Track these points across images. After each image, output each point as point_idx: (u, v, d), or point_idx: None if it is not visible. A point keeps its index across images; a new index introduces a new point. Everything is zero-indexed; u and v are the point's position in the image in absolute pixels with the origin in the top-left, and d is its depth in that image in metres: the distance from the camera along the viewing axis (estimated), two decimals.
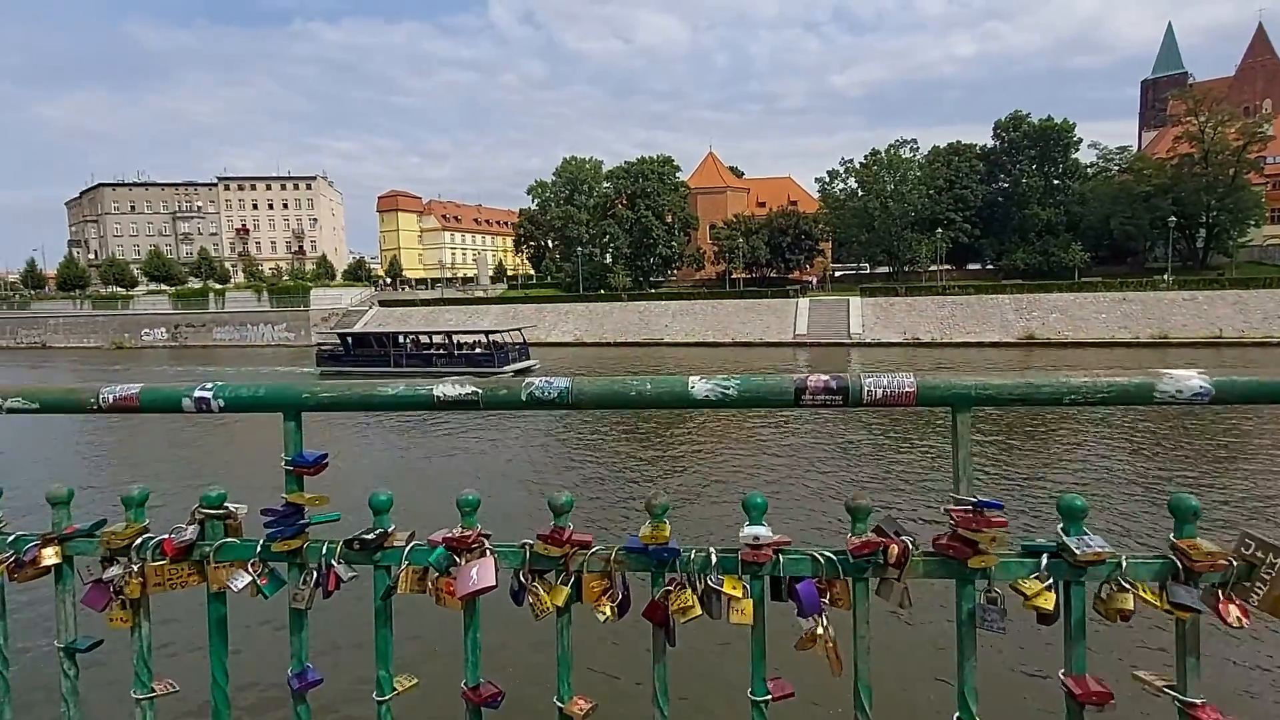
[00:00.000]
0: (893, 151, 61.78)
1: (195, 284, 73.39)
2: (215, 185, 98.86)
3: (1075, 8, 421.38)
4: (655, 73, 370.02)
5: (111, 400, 1.35)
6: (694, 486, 14.61)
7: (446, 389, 1.26)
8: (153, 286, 73.45)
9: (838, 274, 73.03)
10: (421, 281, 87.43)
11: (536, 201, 75.45)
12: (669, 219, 70.09)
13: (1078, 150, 62.91)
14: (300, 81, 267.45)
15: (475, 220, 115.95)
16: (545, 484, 14.83)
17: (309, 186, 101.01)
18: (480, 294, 70.83)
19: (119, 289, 72.59)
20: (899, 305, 48.41)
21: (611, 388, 1.22)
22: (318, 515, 1.34)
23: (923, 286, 52.98)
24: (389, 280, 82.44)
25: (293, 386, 1.33)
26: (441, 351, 36.00)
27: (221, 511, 1.34)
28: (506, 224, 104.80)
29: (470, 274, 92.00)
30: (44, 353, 60.32)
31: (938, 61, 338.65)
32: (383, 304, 64.32)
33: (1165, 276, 47.12)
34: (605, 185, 72.55)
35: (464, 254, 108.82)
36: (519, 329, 37.73)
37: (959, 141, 66.62)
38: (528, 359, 35.84)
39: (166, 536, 1.32)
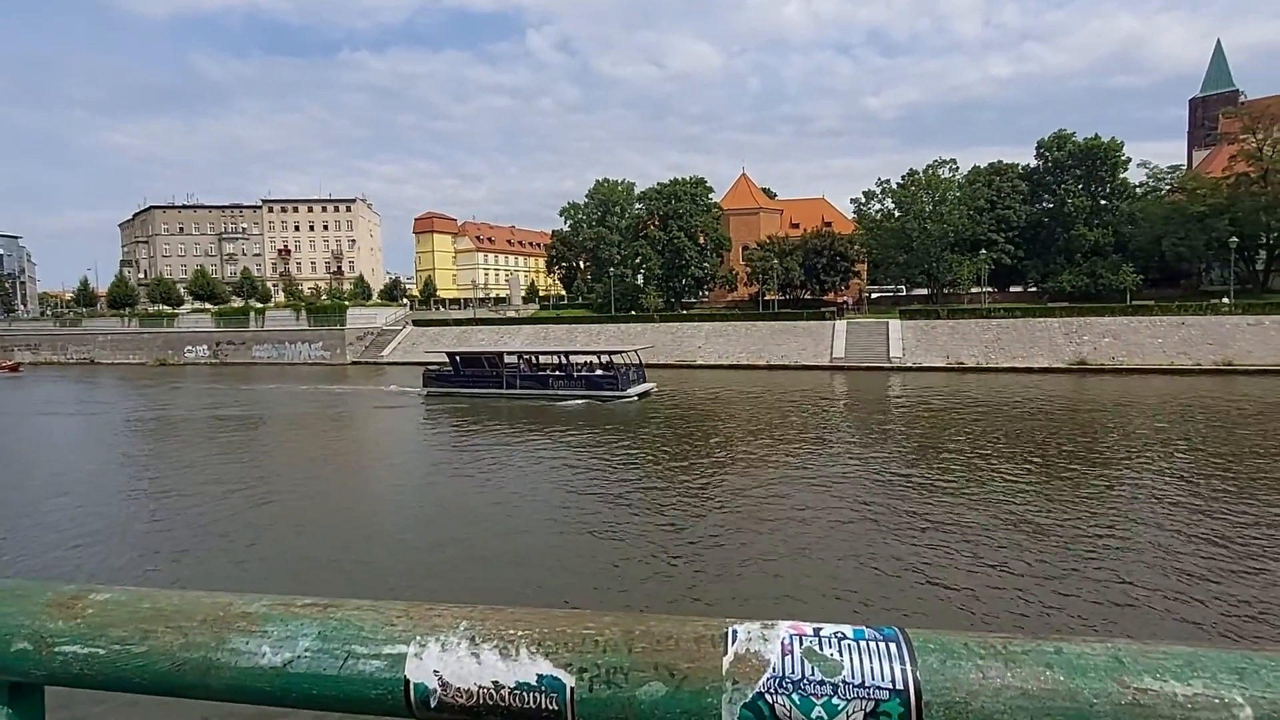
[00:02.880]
0: (931, 172, 60.56)
1: (238, 303, 75.21)
2: (259, 207, 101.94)
3: (1115, 28, 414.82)
4: (688, 96, 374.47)
5: None
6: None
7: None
8: (197, 305, 75.50)
9: (874, 296, 71.60)
10: (455, 301, 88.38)
11: (569, 223, 75.86)
12: (701, 240, 69.68)
13: (1126, 169, 60.86)
14: (348, 108, 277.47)
15: (508, 241, 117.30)
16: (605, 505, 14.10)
17: (348, 209, 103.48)
18: (512, 314, 71.09)
19: (165, 307, 74.76)
20: (941, 328, 46.90)
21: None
22: None
23: (965, 309, 51.36)
24: (422, 300, 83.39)
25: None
26: (558, 373, 33.87)
27: None
28: (539, 245, 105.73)
29: (503, 294, 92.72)
30: (91, 368, 62.07)
31: (973, 83, 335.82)
32: (416, 324, 64.88)
33: (1225, 300, 44.81)
34: (637, 206, 72.62)
35: (497, 274, 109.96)
36: (636, 349, 35.59)
37: (1000, 161, 65.16)
38: (644, 381, 33.63)
39: None
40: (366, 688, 0.67)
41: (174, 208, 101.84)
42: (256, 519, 14.15)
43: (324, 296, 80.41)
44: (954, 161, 61.15)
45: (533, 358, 36.26)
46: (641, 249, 69.16)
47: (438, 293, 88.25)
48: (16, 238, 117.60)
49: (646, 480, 17.04)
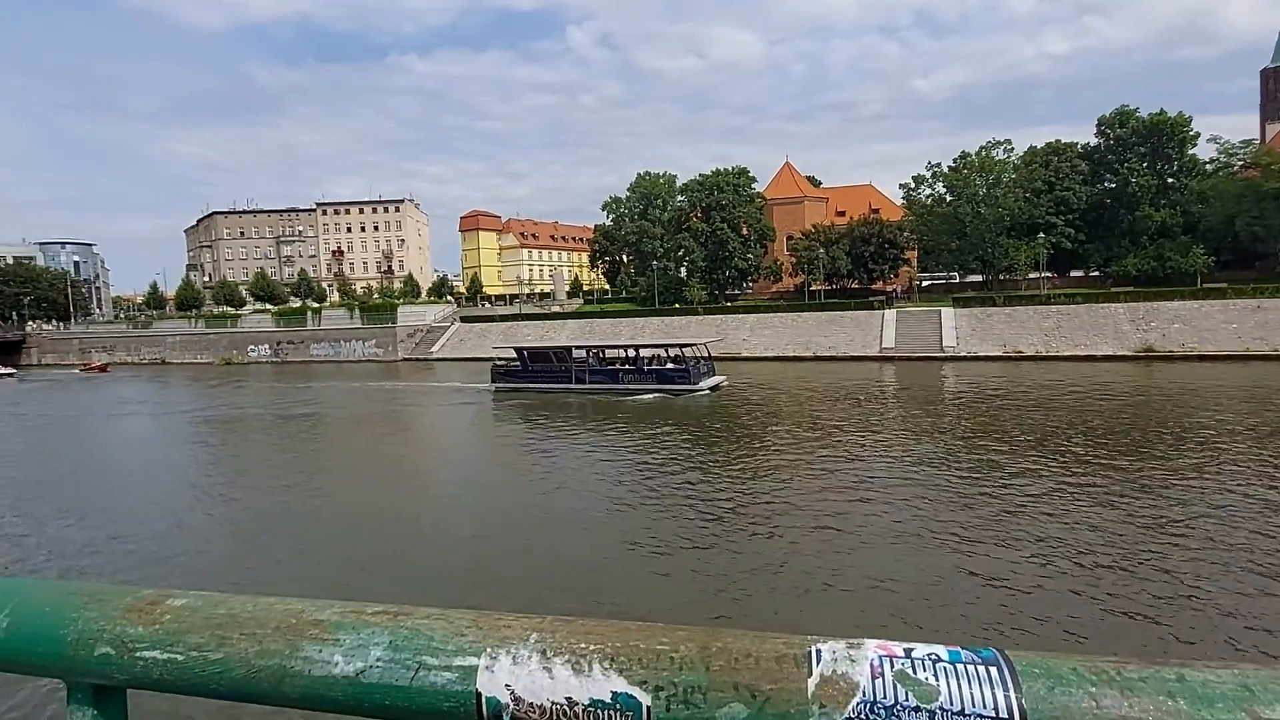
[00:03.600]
0: (984, 153, 58.49)
1: (295, 303, 78.15)
2: (314, 211, 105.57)
3: None
4: (730, 87, 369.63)
5: None
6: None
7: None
8: (258, 306, 78.76)
9: (925, 284, 69.76)
10: (500, 297, 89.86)
11: (611, 217, 76.12)
12: (745, 231, 69.06)
13: (1195, 145, 57.59)
14: (396, 111, 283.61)
15: (552, 237, 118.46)
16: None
17: (397, 210, 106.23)
18: (556, 309, 71.92)
19: (229, 308, 78.26)
20: (997, 316, 45.45)
21: None
22: None
23: (1022, 295, 49.58)
24: (469, 297, 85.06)
25: (82, 613, 0.79)
26: (628, 366, 33.43)
27: None
28: (582, 240, 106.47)
29: (547, 289, 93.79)
30: (163, 368, 65.49)
31: (1028, 61, 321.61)
32: (464, 320, 66.29)
33: None
34: (679, 199, 72.38)
35: (541, 270, 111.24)
36: (704, 342, 34.69)
37: (1058, 141, 62.47)
38: (714, 374, 33.02)
39: None
40: (439, 700, 0.66)
41: (234, 213, 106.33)
42: (379, 514, 14.62)
43: (375, 295, 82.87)
44: (1008, 142, 58.98)
45: (600, 351, 35.63)
46: (684, 241, 68.98)
47: (484, 289, 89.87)
48: (91, 245, 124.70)
49: (747, 485, 15.83)
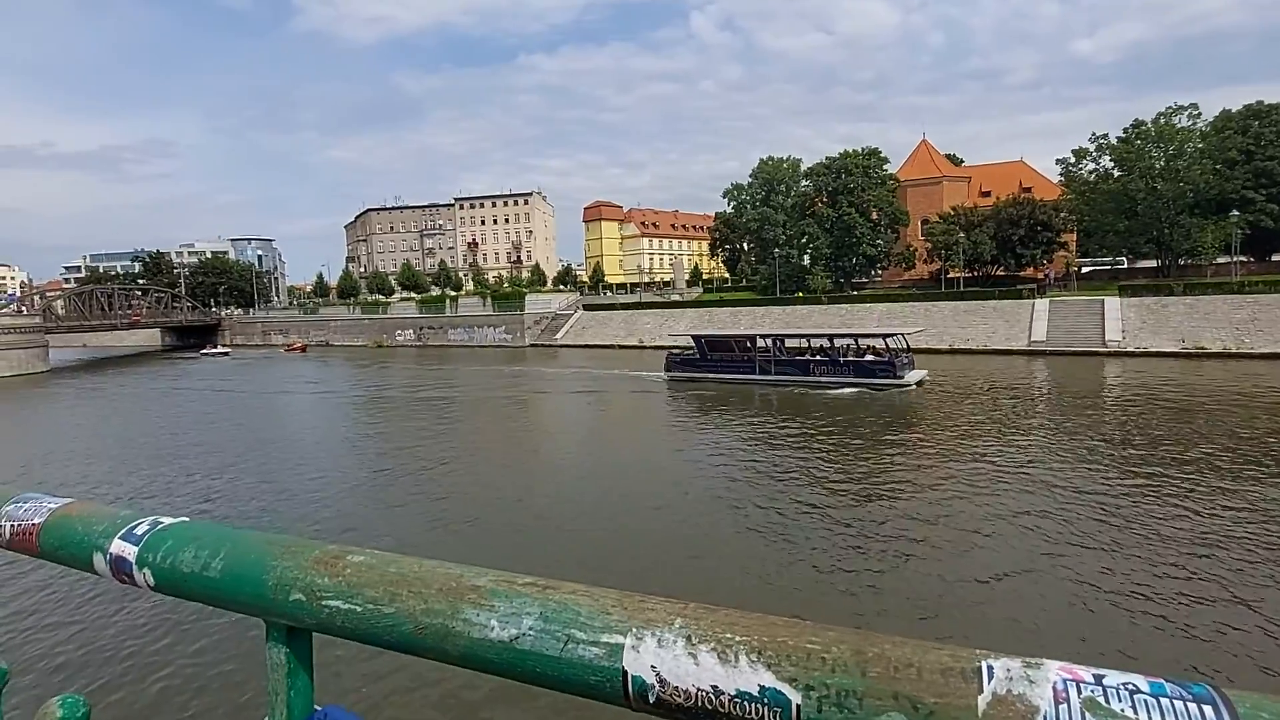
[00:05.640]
0: (1164, 121, 51.17)
1: (436, 292, 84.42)
2: (452, 205, 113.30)
3: None
4: (858, 62, 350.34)
5: (8, 535, 1.01)
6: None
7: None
8: (404, 294, 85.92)
9: (1085, 270, 62.54)
10: (621, 286, 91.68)
11: (732, 204, 75.02)
12: (875, 215, 65.39)
13: None
14: (522, 109, 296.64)
15: (672, 226, 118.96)
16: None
17: (525, 202, 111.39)
18: (676, 297, 72.24)
19: (380, 297, 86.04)
20: (1174, 306, 39.80)
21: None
22: None
23: (1207, 283, 43.03)
24: (591, 286, 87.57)
25: (280, 562, 0.86)
26: (822, 358, 30.74)
27: None
28: (702, 228, 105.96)
29: (667, 278, 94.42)
30: (327, 350, 73.28)
31: (1220, 9, 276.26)
32: (586, 308, 68.35)
33: None
34: (804, 184, 69.84)
35: (661, 259, 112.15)
36: (907, 332, 32.06)
37: (1260, 103, 53.34)
38: (914, 366, 30.17)
39: None
40: (586, 673, 0.67)
41: (385, 209, 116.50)
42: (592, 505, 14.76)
43: (506, 284, 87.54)
44: (1194, 107, 51.19)
45: (780, 340, 33.05)
46: (808, 228, 66.53)
47: (605, 278, 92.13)
48: (271, 240, 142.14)
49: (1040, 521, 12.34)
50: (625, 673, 0.65)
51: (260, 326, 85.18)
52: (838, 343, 31.52)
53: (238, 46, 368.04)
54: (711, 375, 32.37)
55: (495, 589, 0.74)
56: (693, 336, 35.64)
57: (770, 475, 16.27)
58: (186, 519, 0.97)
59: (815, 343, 32.87)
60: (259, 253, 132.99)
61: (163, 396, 38.17)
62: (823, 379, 29.35)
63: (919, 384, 28.64)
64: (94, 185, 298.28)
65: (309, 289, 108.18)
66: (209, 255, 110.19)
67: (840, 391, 27.94)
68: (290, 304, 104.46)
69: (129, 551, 0.93)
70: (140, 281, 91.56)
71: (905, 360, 29.48)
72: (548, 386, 36.43)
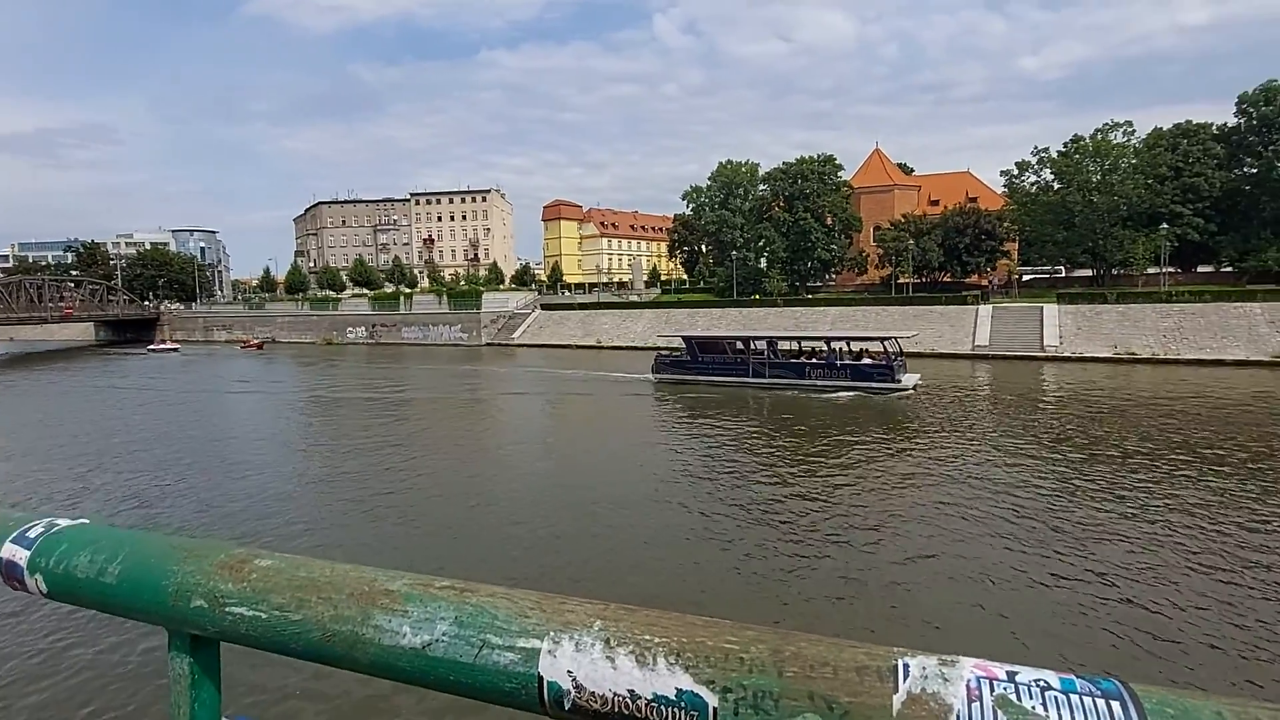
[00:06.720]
0: (1100, 136, 53.65)
1: (389, 289, 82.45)
2: (408, 201, 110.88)
3: None
4: (816, 70, 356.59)
5: None
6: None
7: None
8: (356, 290, 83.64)
9: (1026, 278, 65.07)
10: (580, 286, 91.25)
11: (691, 206, 75.49)
12: (829, 221, 66.72)
13: None
14: (483, 105, 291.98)
15: (631, 226, 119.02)
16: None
17: (484, 199, 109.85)
18: (634, 298, 72.24)
19: (331, 293, 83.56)
20: (1107, 314, 41.72)
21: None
22: None
23: (1138, 292, 45.29)
24: (549, 285, 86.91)
25: (182, 567, 0.83)
26: (817, 361, 30.03)
27: None
28: (661, 229, 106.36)
29: (625, 279, 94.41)
30: (273, 346, 70.71)
31: (1157, 32, 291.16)
32: (544, 308, 67.77)
33: None
34: (761, 188, 70.80)
35: (620, 259, 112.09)
36: (900, 336, 31.26)
37: (1188, 122, 56.48)
38: (906, 370, 29.50)
39: None
40: (501, 680, 0.65)
41: (337, 203, 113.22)
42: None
43: (462, 282, 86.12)
44: (1129, 124, 53.84)
45: (773, 343, 32.27)
46: (765, 231, 67.45)
47: (564, 278, 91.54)
48: (214, 232, 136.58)
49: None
50: (541, 678, 0.63)
51: (202, 321, 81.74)
52: (832, 345, 31.03)
53: (186, 30, 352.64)
54: (703, 378, 31.62)
55: (410, 593, 0.72)
56: (683, 338, 34.99)
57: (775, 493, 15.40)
58: (86, 521, 0.92)
59: (807, 345, 32.34)
60: (202, 244, 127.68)
61: (99, 395, 36.23)
62: (819, 382, 28.90)
63: (914, 388, 28.37)
64: (25, 170, 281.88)
65: (255, 283, 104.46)
66: (148, 246, 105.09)
67: (836, 395, 27.58)
68: (235, 298, 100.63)
69: (20, 556, 0.88)
70: (73, 273, 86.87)
71: (900, 364, 29.01)
72: (524, 387, 35.37)
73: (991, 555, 11.06)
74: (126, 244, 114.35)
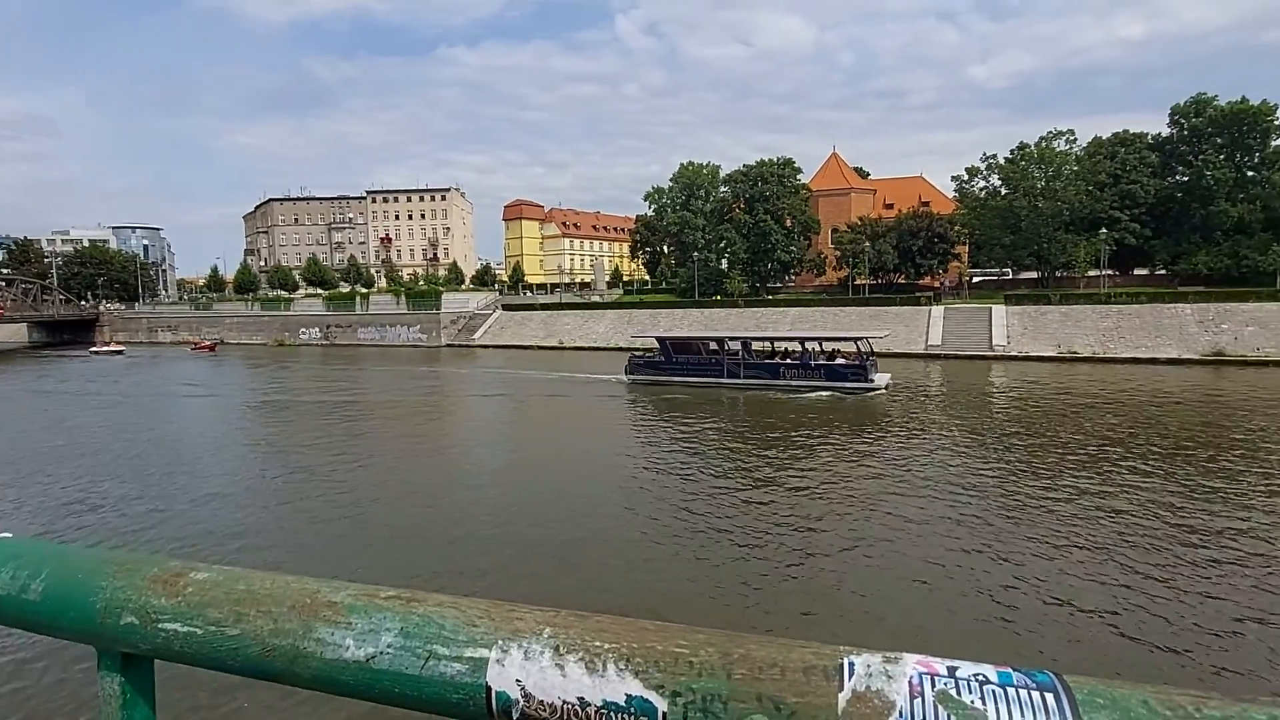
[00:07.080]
0: (1044, 144, 55.89)
1: (345, 288, 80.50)
2: (364, 199, 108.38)
3: None
4: (775, 75, 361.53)
5: None
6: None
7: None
8: (310, 290, 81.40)
9: (976, 280, 67.32)
10: (541, 286, 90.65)
11: (653, 207, 75.76)
12: (788, 223, 67.84)
13: (1279, 137, 53.80)
14: (442, 103, 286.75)
15: (593, 227, 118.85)
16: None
17: (443, 198, 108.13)
18: (596, 299, 72.13)
19: (283, 292, 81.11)
20: (1051, 315, 43.50)
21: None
22: None
23: (1080, 294, 47.43)
24: (511, 285, 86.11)
25: (111, 582, 0.79)
26: (791, 361, 30.25)
27: None
28: (623, 230, 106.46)
29: (587, 279, 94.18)
30: (222, 348, 68.27)
31: (1097, 45, 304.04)
32: (506, 308, 67.12)
33: None
34: (722, 190, 71.53)
35: (582, 259, 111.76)
36: (872, 336, 31.44)
37: (1126, 131, 59.27)
38: (878, 370, 29.64)
39: None
40: (448, 691, 0.64)
41: (289, 200, 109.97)
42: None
43: (421, 282, 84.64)
44: (1071, 132, 56.21)
45: (747, 343, 32.25)
46: (726, 233, 68.19)
47: (525, 278, 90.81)
48: (158, 229, 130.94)
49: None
50: (489, 688, 0.62)
51: (145, 322, 78.37)
52: (806, 345, 31.21)
53: (130, 19, 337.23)
54: (677, 378, 31.52)
55: (354, 604, 0.70)
56: (657, 338, 34.97)
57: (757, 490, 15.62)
58: (9, 535, 0.87)
59: (781, 345, 32.52)
60: (145, 242, 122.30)
61: (37, 400, 34.38)
62: (793, 382, 29.07)
63: (886, 387, 28.72)
64: None
65: (202, 283, 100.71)
66: (86, 244, 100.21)
67: (811, 395, 27.79)
68: (180, 298, 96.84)
69: None
70: (4, 271, 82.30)
71: (873, 363, 29.35)
72: (487, 389, 34.57)
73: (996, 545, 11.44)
74: (63, 241, 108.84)
